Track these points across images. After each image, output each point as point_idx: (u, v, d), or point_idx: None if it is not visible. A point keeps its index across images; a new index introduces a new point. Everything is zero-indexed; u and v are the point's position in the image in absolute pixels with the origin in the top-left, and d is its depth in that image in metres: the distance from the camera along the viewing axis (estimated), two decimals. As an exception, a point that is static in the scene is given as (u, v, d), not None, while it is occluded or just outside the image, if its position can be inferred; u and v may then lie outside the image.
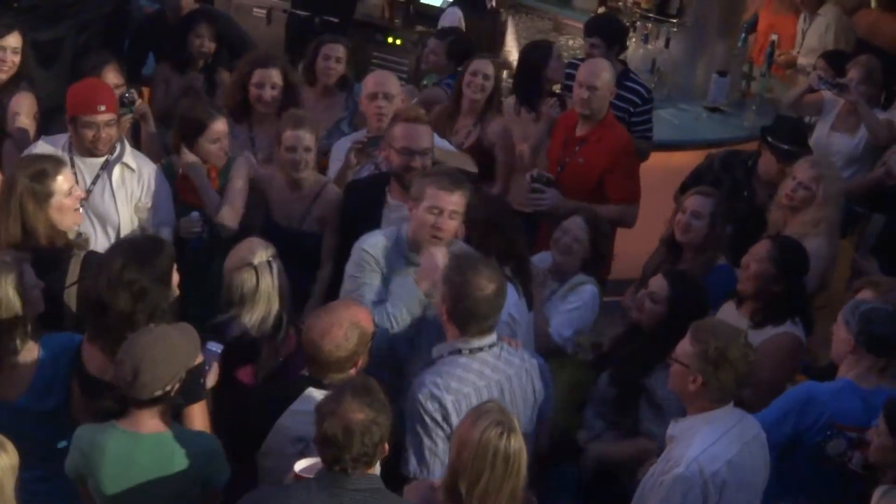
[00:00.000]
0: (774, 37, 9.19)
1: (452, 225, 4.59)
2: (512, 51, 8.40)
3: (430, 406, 4.11)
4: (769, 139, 6.18)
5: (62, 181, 4.69)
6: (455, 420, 4.04)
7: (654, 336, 4.78)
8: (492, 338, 4.26)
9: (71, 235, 4.79)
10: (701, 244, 5.47)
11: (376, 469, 3.63)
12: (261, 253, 4.58)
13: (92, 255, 4.68)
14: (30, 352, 4.11)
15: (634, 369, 4.76)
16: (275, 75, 6.06)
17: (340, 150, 5.90)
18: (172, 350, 3.77)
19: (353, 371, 4.13)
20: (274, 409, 4.10)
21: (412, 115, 5.27)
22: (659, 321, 4.79)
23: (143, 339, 3.78)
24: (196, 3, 7.48)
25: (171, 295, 4.24)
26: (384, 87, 5.92)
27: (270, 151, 5.87)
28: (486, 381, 4.21)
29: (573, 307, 5.24)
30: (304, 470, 3.66)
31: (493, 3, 8.38)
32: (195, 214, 5.50)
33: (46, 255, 4.57)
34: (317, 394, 4.01)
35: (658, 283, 4.85)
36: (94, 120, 5.20)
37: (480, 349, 4.23)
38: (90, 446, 3.77)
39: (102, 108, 5.20)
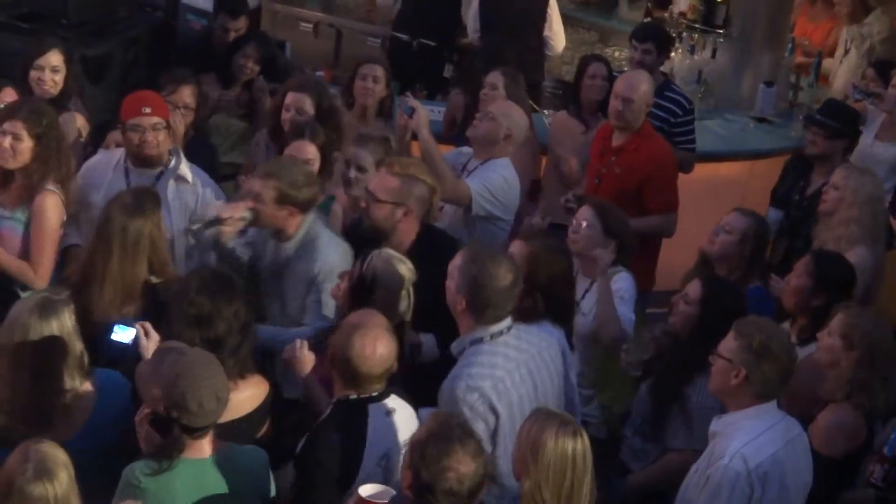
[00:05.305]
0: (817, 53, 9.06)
1: None
2: None
3: (471, 397, 4.04)
4: (817, 116, 6.31)
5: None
6: (499, 405, 4.04)
7: (691, 343, 4.70)
8: (507, 322, 4.22)
9: None
10: (728, 260, 5.31)
11: None
12: None
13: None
14: (86, 389, 4.03)
15: (674, 378, 4.70)
16: (305, 101, 5.94)
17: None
18: (217, 369, 3.71)
19: None
20: (348, 443, 3.93)
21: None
22: (693, 324, 4.73)
23: (192, 370, 3.65)
24: (247, 23, 7.46)
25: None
26: None
27: None
28: (514, 362, 4.19)
29: (620, 295, 5.11)
30: (372, 496, 3.50)
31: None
32: None
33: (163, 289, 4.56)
34: (380, 407, 3.98)
35: (692, 286, 4.82)
36: (139, 122, 5.18)
37: (500, 333, 4.19)
38: (156, 483, 3.62)
39: (147, 109, 5.18)
